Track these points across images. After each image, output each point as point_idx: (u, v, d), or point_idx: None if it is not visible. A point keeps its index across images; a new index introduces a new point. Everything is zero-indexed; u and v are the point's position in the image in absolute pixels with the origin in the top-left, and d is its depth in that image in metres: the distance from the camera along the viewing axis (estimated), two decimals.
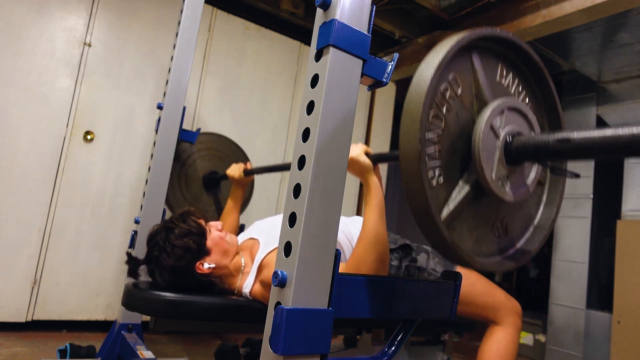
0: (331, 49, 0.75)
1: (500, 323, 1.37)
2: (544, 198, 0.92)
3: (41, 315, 2.14)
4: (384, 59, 0.83)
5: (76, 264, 2.23)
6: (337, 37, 0.75)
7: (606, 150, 0.63)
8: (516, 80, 0.88)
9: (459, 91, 0.77)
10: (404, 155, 0.70)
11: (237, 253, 1.40)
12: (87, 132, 2.27)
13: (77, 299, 2.23)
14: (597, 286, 2.95)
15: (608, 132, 0.62)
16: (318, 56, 0.78)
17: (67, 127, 2.23)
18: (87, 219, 2.27)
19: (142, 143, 2.42)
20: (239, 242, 1.49)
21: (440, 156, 0.74)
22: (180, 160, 2.09)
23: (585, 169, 3.01)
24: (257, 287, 1.29)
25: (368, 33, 0.80)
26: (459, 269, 1.43)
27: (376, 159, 1.18)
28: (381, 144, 3.39)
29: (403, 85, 3.63)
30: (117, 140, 2.35)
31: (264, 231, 1.44)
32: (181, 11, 1.93)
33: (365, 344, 1.64)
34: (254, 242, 1.43)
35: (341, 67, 0.76)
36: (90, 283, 2.27)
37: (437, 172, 0.73)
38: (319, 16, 0.80)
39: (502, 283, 4.72)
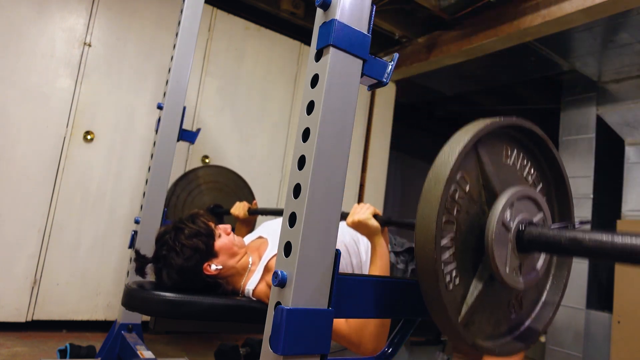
0: (331, 49, 0.75)
1: None
2: (550, 280, 0.94)
3: (41, 315, 2.14)
4: (384, 59, 0.83)
5: (76, 263, 2.23)
6: (337, 37, 0.75)
7: (618, 258, 0.65)
8: (521, 155, 0.88)
9: (467, 188, 0.78)
10: (421, 272, 0.73)
11: (245, 254, 1.40)
12: (87, 132, 2.27)
13: (77, 299, 2.23)
14: (597, 286, 2.95)
15: (621, 239, 0.64)
16: (318, 56, 0.78)
17: (67, 127, 2.23)
18: (87, 219, 2.27)
19: (142, 143, 2.42)
20: (247, 242, 1.50)
21: (455, 258, 0.75)
22: (186, 190, 2.11)
23: (585, 169, 3.01)
24: (262, 286, 1.29)
25: (368, 33, 0.80)
26: None
27: (384, 222, 1.19)
28: (381, 144, 3.39)
29: (403, 85, 3.63)
30: (117, 140, 2.35)
31: (275, 231, 1.44)
32: (181, 11, 1.93)
33: None
34: (262, 242, 1.43)
35: (341, 67, 0.76)
36: (90, 283, 2.26)
37: (453, 274, 0.75)
38: (319, 16, 0.80)
39: None
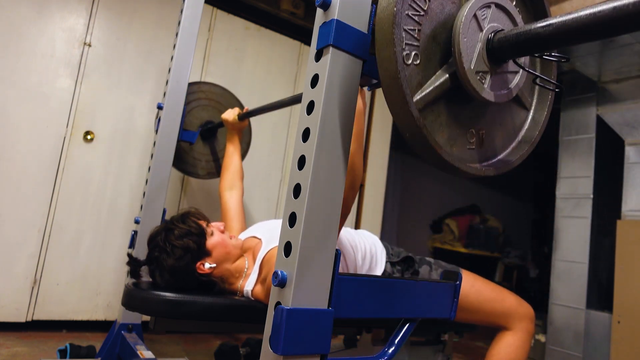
0: (331, 49, 0.75)
1: (511, 328, 1.36)
2: (529, 119, 0.91)
3: (41, 315, 2.14)
4: None
5: (76, 264, 2.23)
6: (337, 37, 0.75)
7: (588, 28, 0.61)
8: None
9: None
10: (379, 20, 0.69)
11: (240, 256, 1.40)
12: (87, 132, 2.27)
13: (77, 299, 2.23)
14: (597, 286, 2.95)
15: (589, 10, 0.60)
16: (318, 56, 0.78)
17: (67, 127, 2.23)
18: (87, 219, 2.27)
19: (142, 143, 2.42)
20: (242, 238, 1.50)
21: (419, 38, 0.72)
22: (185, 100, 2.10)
23: (585, 169, 3.01)
24: (259, 286, 1.29)
25: (368, 33, 0.80)
26: (464, 276, 1.43)
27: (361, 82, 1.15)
28: (381, 144, 3.39)
29: None
30: (117, 140, 2.35)
31: (269, 231, 1.44)
32: (181, 11, 1.93)
33: (365, 344, 1.64)
34: (257, 242, 1.43)
35: (341, 67, 0.76)
36: (90, 283, 2.26)
37: (413, 52, 0.71)
38: (319, 16, 0.80)
39: (502, 283, 4.72)
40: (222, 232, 1.39)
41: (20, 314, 2.10)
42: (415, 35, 0.71)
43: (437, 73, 0.75)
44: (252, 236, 1.49)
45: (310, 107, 0.76)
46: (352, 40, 0.77)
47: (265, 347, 0.71)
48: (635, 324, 2.54)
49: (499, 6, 0.77)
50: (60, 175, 2.20)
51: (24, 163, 2.12)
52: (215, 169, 2.23)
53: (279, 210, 2.84)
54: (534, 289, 4.73)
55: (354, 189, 1.06)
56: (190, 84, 2.10)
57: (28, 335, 2.10)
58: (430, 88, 0.73)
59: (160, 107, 1.89)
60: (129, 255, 1.38)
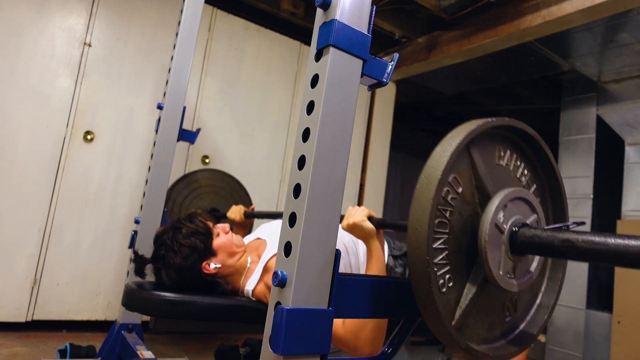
0: (331, 49, 0.75)
1: None
2: (546, 277, 0.93)
3: (41, 315, 2.14)
4: (384, 59, 0.83)
5: (76, 264, 2.23)
6: (337, 37, 0.75)
7: (612, 260, 0.64)
8: (514, 156, 0.88)
9: (460, 189, 0.77)
10: (414, 274, 0.72)
11: (244, 252, 1.40)
12: (87, 132, 2.27)
13: (77, 299, 2.23)
14: (597, 286, 2.95)
15: (614, 241, 0.63)
16: (318, 56, 0.77)
17: (67, 127, 2.23)
18: (87, 219, 2.26)
19: (142, 143, 2.42)
20: (246, 242, 1.50)
21: (448, 260, 0.75)
22: (183, 194, 2.12)
23: (585, 169, 3.01)
24: (261, 287, 1.29)
25: (368, 33, 0.80)
26: None
27: (379, 224, 1.18)
28: (381, 144, 3.39)
29: (403, 85, 3.63)
30: (117, 140, 2.35)
31: (274, 233, 1.44)
32: (181, 11, 1.93)
33: None
34: (260, 242, 1.43)
35: (341, 67, 0.76)
36: (90, 283, 2.26)
37: (446, 277, 0.74)
38: (319, 16, 0.80)
39: None
40: (227, 233, 1.39)
41: (20, 314, 2.10)
42: (445, 261, 0.74)
43: (467, 286, 0.78)
44: (256, 238, 1.49)
45: (310, 107, 0.76)
46: (352, 40, 0.77)
47: (265, 347, 0.71)
48: (635, 324, 2.54)
49: (513, 200, 0.79)
50: (60, 175, 2.20)
51: (24, 163, 2.12)
52: None
53: (278, 210, 2.84)
54: None
55: (381, 330, 1.06)
56: (183, 177, 2.15)
57: (28, 335, 2.10)
58: (467, 301, 0.77)
59: (160, 107, 1.89)
60: (135, 252, 1.38)
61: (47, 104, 2.18)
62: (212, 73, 2.65)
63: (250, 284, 1.31)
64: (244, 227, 1.92)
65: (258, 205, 2.75)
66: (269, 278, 1.25)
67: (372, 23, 0.80)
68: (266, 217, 1.90)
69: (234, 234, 1.42)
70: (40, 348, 1.95)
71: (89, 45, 2.30)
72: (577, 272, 2.91)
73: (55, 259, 2.18)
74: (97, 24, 2.32)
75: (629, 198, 2.87)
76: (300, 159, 0.75)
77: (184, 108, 1.92)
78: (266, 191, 2.80)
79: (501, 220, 0.77)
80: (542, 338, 3.12)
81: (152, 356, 1.52)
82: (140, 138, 2.41)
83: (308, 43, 2.94)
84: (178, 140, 1.92)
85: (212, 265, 1.29)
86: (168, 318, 1.22)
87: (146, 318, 1.97)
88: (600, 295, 2.95)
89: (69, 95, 2.24)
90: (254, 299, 1.30)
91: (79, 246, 2.24)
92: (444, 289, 0.74)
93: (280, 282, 0.71)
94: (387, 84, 0.84)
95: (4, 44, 2.10)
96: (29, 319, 2.12)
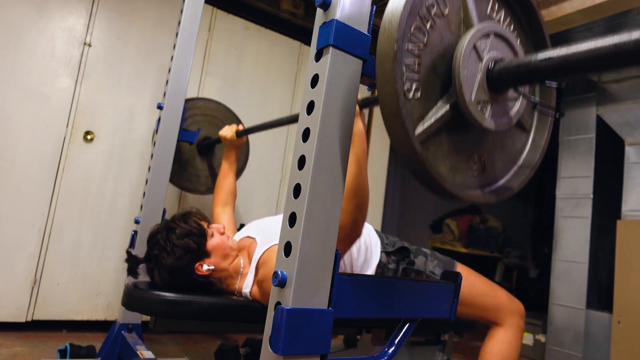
0: (331, 49, 0.75)
1: (502, 324, 1.37)
2: (529, 143, 0.91)
3: (41, 315, 2.14)
4: None
5: (76, 264, 2.23)
6: (337, 37, 0.75)
7: (587, 63, 0.62)
8: (508, 19, 0.86)
9: (446, 11, 0.75)
10: (379, 58, 0.68)
11: (237, 255, 1.40)
12: (87, 132, 2.27)
13: (77, 299, 2.23)
14: (597, 286, 2.95)
15: (589, 44, 0.61)
16: (318, 56, 0.78)
17: (67, 127, 2.23)
18: (87, 219, 2.27)
19: (142, 143, 2.42)
20: (237, 239, 1.49)
21: (419, 70, 0.72)
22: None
23: (585, 169, 3.01)
24: (256, 288, 1.29)
25: (368, 33, 0.80)
26: (459, 269, 1.44)
27: (362, 103, 1.14)
28: (381, 144, 3.39)
29: None
30: (117, 140, 2.35)
31: (262, 230, 1.44)
32: (181, 11, 1.93)
33: (365, 344, 1.64)
34: (251, 242, 1.43)
35: (341, 67, 0.76)
36: (90, 283, 2.26)
37: (414, 86, 0.71)
38: (319, 16, 0.80)
39: (502, 283, 4.72)
40: (222, 234, 1.39)
41: (20, 314, 2.10)
42: (416, 69, 0.71)
43: (438, 104, 0.75)
44: (246, 236, 1.49)
45: (310, 107, 0.76)
46: (352, 40, 0.77)
47: (265, 347, 0.71)
48: (635, 324, 2.54)
49: (498, 35, 0.77)
50: (60, 175, 2.20)
51: (24, 163, 2.12)
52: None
53: (278, 211, 2.84)
54: (534, 289, 4.73)
55: (362, 211, 1.05)
56: (185, 101, 2.12)
57: (28, 335, 2.10)
58: (432, 120, 0.73)
59: (160, 107, 1.89)
60: (128, 252, 1.38)
61: (47, 104, 2.18)
62: (212, 73, 2.65)
63: (246, 287, 1.31)
64: (236, 146, 1.93)
65: (258, 206, 2.76)
66: (262, 274, 1.24)
67: (372, 23, 0.80)
68: (257, 130, 1.86)
69: (229, 237, 1.41)
70: (40, 348, 1.95)
71: (89, 45, 2.30)
72: (577, 272, 2.91)
73: (55, 259, 2.18)
74: (97, 24, 2.32)
75: (629, 198, 2.86)
76: (300, 159, 0.76)
77: (184, 108, 1.92)
78: (266, 191, 2.80)
79: (481, 47, 0.74)
80: (542, 338, 3.12)
81: (152, 356, 1.52)
82: (140, 138, 2.41)
83: (308, 43, 2.94)
84: (178, 140, 1.92)
85: (205, 267, 1.29)
86: (168, 318, 1.23)
87: (146, 318, 1.97)
88: (600, 295, 2.95)
89: (69, 95, 2.24)
90: (252, 299, 1.30)
91: (79, 246, 2.24)
92: (410, 95, 0.70)
93: (280, 282, 0.71)
94: None
95: (4, 44, 2.10)
96: (29, 319, 2.12)
